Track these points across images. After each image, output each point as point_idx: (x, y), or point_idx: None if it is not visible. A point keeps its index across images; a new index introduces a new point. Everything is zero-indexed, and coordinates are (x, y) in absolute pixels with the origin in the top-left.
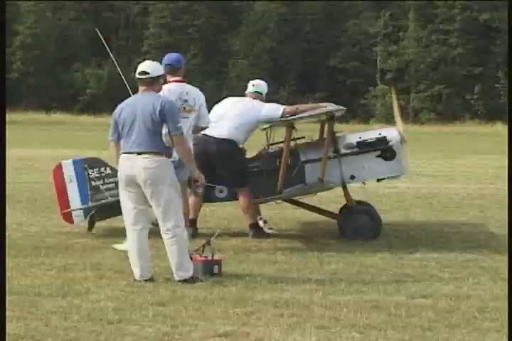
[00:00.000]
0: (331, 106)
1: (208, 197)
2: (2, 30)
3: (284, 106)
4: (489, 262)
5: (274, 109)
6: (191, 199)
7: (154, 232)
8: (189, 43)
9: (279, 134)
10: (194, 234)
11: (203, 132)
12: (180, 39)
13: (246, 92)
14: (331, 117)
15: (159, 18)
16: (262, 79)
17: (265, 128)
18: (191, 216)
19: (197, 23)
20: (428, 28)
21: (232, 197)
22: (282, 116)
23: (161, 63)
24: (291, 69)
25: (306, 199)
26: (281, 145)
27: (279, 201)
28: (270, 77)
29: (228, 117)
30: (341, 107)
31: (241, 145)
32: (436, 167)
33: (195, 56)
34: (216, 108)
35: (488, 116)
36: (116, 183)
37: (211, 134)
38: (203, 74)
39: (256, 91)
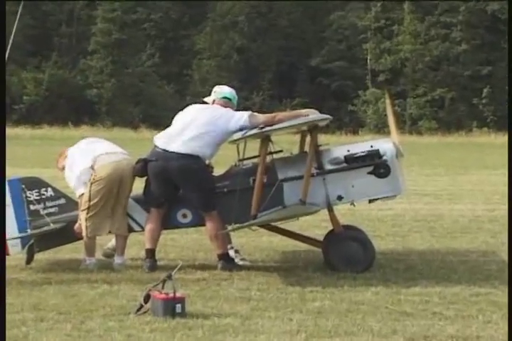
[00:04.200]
0: (313, 115)
1: (169, 223)
2: (2, 32)
3: (249, 112)
4: (502, 297)
5: (246, 119)
6: (148, 227)
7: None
8: (144, 41)
9: (253, 148)
10: (153, 266)
11: (162, 146)
12: (134, 36)
13: (211, 99)
14: (313, 127)
15: (109, 11)
16: (231, 84)
17: (235, 141)
18: (148, 246)
19: (154, 18)
20: (427, 21)
21: (198, 222)
22: (256, 126)
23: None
24: (265, 71)
25: (286, 225)
26: (255, 160)
27: (254, 227)
28: (241, 81)
29: (192, 128)
30: (326, 116)
31: (207, 161)
32: (439, 185)
33: (151, 56)
34: (178, 117)
35: (499, 124)
36: (60, 207)
37: (172, 148)
38: (161, 77)
39: (225, 97)
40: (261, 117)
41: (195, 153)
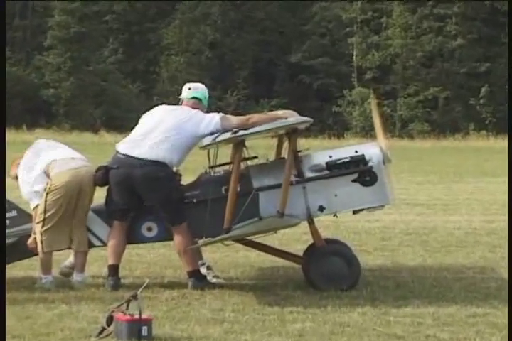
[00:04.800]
0: (292, 117)
1: (133, 237)
2: (2, 32)
3: (221, 114)
4: (501, 317)
5: (217, 121)
6: (111, 241)
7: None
8: (107, 35)
9: (225, 153)
10: (116, 284)
11: (124, 151)
12: (95, 29)
13: (181, 98)
14: (292, 131)
15: (67, 2)
16: (202, 82)
17: (206, 146)
18: (111, 262)
19: (117, 9)
20: (419, 13)
21: (165, 236)
22: (229, 130)
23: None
24: (240, 68)
25: (263, 239)
26: (227, 167)
27: (227, 242)
28: (214, 79)
29: (158, 132)
30: (306, 118)
31: (175, 169)
32: (432, 194)
33: (114, 52)
34: (143, 120)
35: (498, 126)
36: (12, 220)
37: (135, 154)
38: (125, 75)
39: (194, 97)
40: (234, 120)
41: (161, 159)
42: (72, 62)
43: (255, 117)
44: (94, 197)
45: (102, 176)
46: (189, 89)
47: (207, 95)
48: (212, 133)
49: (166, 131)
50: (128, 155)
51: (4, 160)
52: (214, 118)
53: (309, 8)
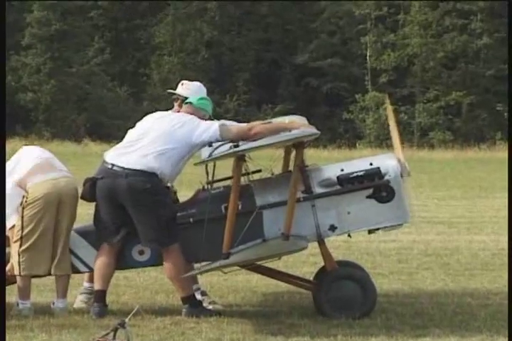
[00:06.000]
0: (301, 128)
1: (122, 262)
2: (2, 32)
3: (220, 122)
4: None
5: (214, 130)
6: (98, 263)
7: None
8: (91, 33)
9: (226, 165)
10: (102, 311)
11: (111, 160)
12: (79, 26)
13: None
14: (298, 143)
15: None
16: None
17: (202, 163)
18: (98, 286)
19: (103, 4)
20: (440, 8)
21: (159, 260)
22: (229, 140)
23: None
24: (241, 70)
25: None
26: (228, 182)
27: (226, 269)
28: (211, 81)
29: (147, 140)
30: (313, 131)
31: (169, 184)
32: (455, 210)
33: (100, 51)
34: (135, 128)
35: None
36: None
37: (120, 163)
38: (112, 77)
39: (188, 103)
40: (234, 129)
41: (151, 169)
42: (53, 63)
43: (258, 127)
44: (79, 216)
45: (90, 189)
46: (182, 84)
47: (204, 99)
48: (210, 143)
49: (156, 138)
50: (114, 165)
51: (4, 161)
52: (212, 126)
53: (317, 3)
